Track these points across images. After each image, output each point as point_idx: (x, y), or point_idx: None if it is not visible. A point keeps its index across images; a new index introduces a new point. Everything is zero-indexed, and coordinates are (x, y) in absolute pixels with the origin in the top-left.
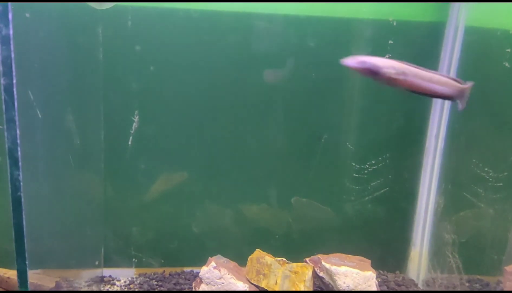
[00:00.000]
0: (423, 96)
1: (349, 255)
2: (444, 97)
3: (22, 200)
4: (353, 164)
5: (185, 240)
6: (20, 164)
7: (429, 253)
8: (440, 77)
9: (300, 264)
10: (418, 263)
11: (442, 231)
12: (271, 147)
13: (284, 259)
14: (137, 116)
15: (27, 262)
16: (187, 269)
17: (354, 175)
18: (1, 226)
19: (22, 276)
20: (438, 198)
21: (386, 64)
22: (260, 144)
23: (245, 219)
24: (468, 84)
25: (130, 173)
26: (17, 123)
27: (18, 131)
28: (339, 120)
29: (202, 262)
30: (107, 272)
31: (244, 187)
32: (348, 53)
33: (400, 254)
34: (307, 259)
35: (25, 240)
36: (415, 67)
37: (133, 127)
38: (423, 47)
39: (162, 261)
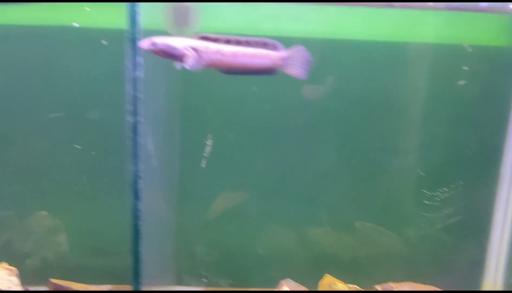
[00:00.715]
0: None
1: (421, 284)
2: (266, 72)
3: (141, 228)
4: (424, 191)
5: (251, 261)
6: (140, 194)
7: (504, 284)
8: (257, 50)
9: (372, 291)
10: None
11: None
12: (337, 169)
13: (355, 286)
14: (211, 141)
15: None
16: (253, 290)
17: (425, 202)
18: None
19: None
20: None
21: (184, 44)
22: (326, 166)
23: (310, 242)
24: (290, 50)
25: (201, 194)
26: (140, 158)
27: (140, 165)
28: (409, 145)
29: (268, 283)
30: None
31: (309, 209)
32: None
33: (473, 284)
34: (378, 287)
35: (140, 264)
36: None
37: (206, 151)
38: (501, 73)
39: (231, 282)
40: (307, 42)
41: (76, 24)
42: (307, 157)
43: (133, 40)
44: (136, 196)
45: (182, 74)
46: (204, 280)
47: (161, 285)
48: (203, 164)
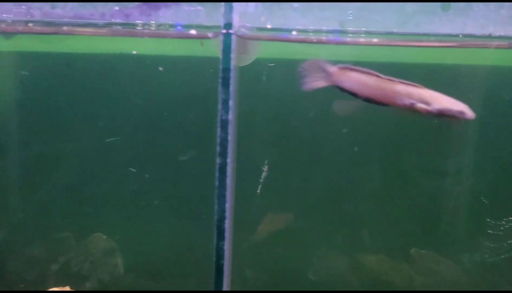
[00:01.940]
0: None
1: None
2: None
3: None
4: (488, 220)
5: (302, 286)
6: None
7: None
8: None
9: None
10: None
11: None
12: (394, 194)
13: None
14: (267, 166)
15: None
16: None
17: (489, 231)
18: None
19: None
20: None
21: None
22: (380, 191)
23: (363, 269)
24: None
25: (257, 218)
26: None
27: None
28: (470, 172)
29: None
30: None
31: (361, 235)
32: None
33: None
34: None
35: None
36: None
37: (262, 176)
38: None
39: None
40: None
41: (135, 52)
42: (360, 181)
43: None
44: (221, 236)
45: None
46: None
47: None
48: (258, 190)
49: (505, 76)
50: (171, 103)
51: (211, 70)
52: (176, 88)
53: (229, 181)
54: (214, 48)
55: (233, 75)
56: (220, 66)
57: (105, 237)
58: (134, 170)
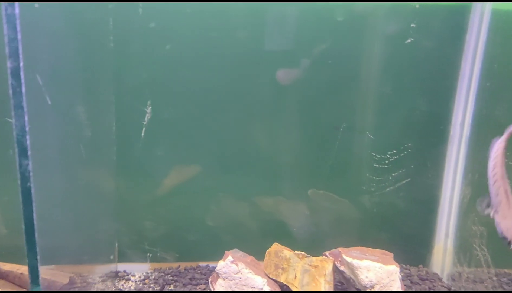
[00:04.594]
0: None
1: (371, 248)
2: None
3: (32, 191)
4: (373, 154)
5: (200, 234)
6: (29, 152)
7: (454, 246)
8: None
9: (320, 258)
10: (442, 256)
11: (469, 223)
12: (286, 138)
13: (303, 252)
14: (150, 107)
15: (38, 257)
16: (202, 264)
17: (375, 165)
18: (12, 222)
19: (33, 271)
20: (465, 189)
21: None
22: (275, 136)
23: (261, 212)
24: None
25: (143, 166)
26: (25, 109)
27: (26, 118)
28: (358, 108)
29: (218, 256)
30: (122, 267)
31: (259, 179)
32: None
33: (423, 247)
34: (327, 253)
35: (36, 234)
36: None
37: (145, 118)
38: (447, 30)
39: (177, 255)
40: None
41: None
42: (257, 126)
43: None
44: (24, 154)
45: None
46: (150, 254)
47: (101, 262)
48: (142, 133)
49: None
50: None
51: None
52: None
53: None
54: None
55: None
56: None
57: None
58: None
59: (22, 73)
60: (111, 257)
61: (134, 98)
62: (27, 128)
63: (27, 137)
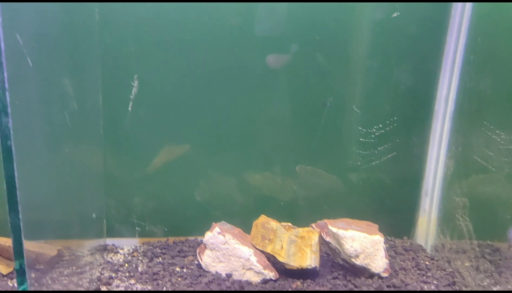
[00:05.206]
0: None
1: (356, 220)
2: None
3: (13, 150)
4: (360, 128)
5: (189, 209)
6: (9, 110)
7: (438, 218)
8: None
9: (306, 229)
10: (426, 228)
11: (452, 195)
12: (274, 115)
13: (289, 224)
14: (136, 81)
15: (20, 216)
16: (191, 238)
17: (361, 139)
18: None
19: (16, 229)
20: (448, 161)
21: None
22: (263, 112)
23: (249, 187)
24: None
25: (131, 140)
26: (4, 66)
27: (5, 75)
28: (344, 83)
29: (206, 230)
30: (111, 241)
31: (247, 155)
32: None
33: (407, 219)
34: (314, 225)
35: (18, 192)
36: None
37: (132, 93)
38: (432, 4)
39: (166, 229)
40: None
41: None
42: (245, 103)
43: None
44: (4, 111)
45: None
46: (138, 228)
47: (89, 237)
48: (129, 107)
49: None
50: None
51: None
52: None
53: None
54: None
55: None
56: None
57: None
58: None
59: (0, 29)
60: (100, 231)
61: (121, 72)
62: (6, 85)
63: (7, 94)
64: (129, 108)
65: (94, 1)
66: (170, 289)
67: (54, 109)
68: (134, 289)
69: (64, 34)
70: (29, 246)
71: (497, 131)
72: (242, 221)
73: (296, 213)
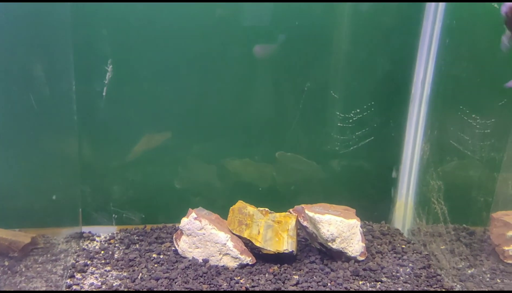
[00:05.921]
0: None
1: (334, 205)
2: None
3: None
4: (338, 113)
5: (167, 196)
6: None
7: (414, 202)
8: None
9: (283, 213)
10: (403, 212)
11: (428, 179)
12: (253, 101)
13: (267, 209)
14: (111, 66)
15: None
16: (169, 225)
17: (339, 124)
18: None
19: None
20: (424, 145)
21: None
22: (242, 99)
23: (228, 174)
24: None
25: (108, 128)
26: None
27: None
28: (321, 68)
29: (183, 216)
30: (88, 229)
31: (226, 141)
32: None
33: (385, 204)
34: (291, 210)
35: None
36: None
37: (106, 77)
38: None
39: (143, 216)
40: None
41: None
42: (223, 89)
43: None
44: None
45: None
46: (115, 216)
47: (65, 225)
48: (104, 92)
49: None
50: None
51: None
52: None
53: None
54: None
55: None
56: None
57: None
58: None
59: None
60: (75, 219)
61: (94, 56)
62: None
63: None
64: (104, 93)
65: None
66: (146, 276)
67: (16, 90)
68: (109, 276)
69: (31, 14)
70: (3, 233)
71: (473, 116)
72: (221, 207)
73: (275, 199)
